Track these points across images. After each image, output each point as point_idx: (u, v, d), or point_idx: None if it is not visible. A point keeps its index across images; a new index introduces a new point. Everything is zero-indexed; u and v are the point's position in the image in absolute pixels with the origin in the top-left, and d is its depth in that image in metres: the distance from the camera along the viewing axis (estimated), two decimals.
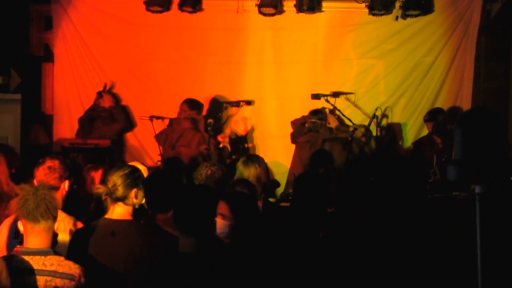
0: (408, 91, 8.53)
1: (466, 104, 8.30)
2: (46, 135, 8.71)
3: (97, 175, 4.98)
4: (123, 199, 3.62)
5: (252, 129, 8.63)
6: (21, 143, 8.53)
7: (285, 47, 8.60)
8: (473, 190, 2.73)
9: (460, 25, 8.40)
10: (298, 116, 8.16)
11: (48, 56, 8.76)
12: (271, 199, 5.49)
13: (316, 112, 7.91)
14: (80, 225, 3.82)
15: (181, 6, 8.38)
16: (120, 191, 3.61)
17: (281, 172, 8.00)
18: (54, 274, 3.13)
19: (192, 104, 8.01)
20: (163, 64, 8.65)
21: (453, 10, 8.42)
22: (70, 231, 3.76)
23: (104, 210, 3.65)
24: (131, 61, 8.64)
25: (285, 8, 8.46)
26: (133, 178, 3.67)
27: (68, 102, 8.66)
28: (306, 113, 8.01)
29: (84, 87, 8.64)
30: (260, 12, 8.33)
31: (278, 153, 8.37)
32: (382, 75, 8.60)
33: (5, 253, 3.53)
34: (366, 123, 8.02)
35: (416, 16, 8.31)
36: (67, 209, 3.87)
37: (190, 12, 8.44)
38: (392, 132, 8.48)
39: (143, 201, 3.83)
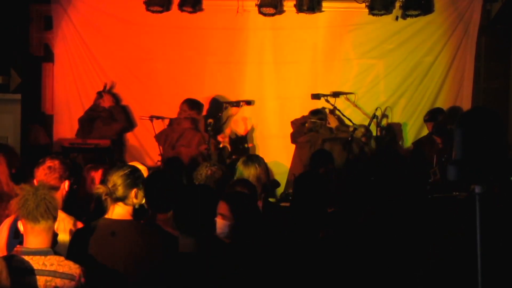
0: (408, 91, 8.53)
1: (466, 104, 8.30)
2: (46, 135, 8.71)
3: (97, 175, 4.98)
4: (123, 199, 3.62)
5: (252, 129, 8.63)
6: (21, 143, 8.53)
7: (285, 47, 8.60)
8: (473, 190, 2.73)
9: (460, 25, 8.40)
10: (298, 116, 8.16)
11: (48, 56, 8.76)
12: (271, 199, 5.48)
13: (316, 112, 7.91)
14: (80, 225, 3.82)
15: (181, 6, 8.38)
16: (120, 191, 3.61)
17: (281, 172, 8.00)
18: (54, 274, 3.13)
19: (192, 104, 8.01)
20: (163, 64, 8.64)
21: (453, 10, 8.42)
22: (70, 231, 3.76)
23: (104, 210, 3.65)
24: (131, 61, 8.64)
25: (285, 8, 8.46)
26: (133, 178, 3.67)
27: (68, 102, 8.66)
28: (306, 113, 8.01)
29: (84, 87, 8.64)
30: (260, 12, 8.33)
31: (278, 153, 8.36)
32: (382, 75, 8.60)
33: (5, 253, 3.53)
34: (366, 123, 8.02)
35: (416, 16, 8.31)
36: (67, 209, 3.87)
37: (190, 12, 8.44)
38: (392, 132, 8.48)
39: (143, 201, 3.83)
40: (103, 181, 3.74)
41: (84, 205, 4.63)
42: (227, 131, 8.35)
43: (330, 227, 4.14)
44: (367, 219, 4.22)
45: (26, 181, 3.57)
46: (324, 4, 8.36)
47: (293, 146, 7.94)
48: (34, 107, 8.75)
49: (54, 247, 3.24)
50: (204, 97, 8.36)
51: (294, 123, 8.17)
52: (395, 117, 8.50)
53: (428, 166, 7.10)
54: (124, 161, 7.54)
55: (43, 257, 3.15)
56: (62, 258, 3.19)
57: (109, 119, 8.27)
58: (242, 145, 8.45)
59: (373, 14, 8.26)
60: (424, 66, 8.49)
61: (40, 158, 4.04)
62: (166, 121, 8.21)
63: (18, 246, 3.23)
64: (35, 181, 3.83)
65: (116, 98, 8.53)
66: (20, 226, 3.23)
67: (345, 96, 8.46)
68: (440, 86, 8.47)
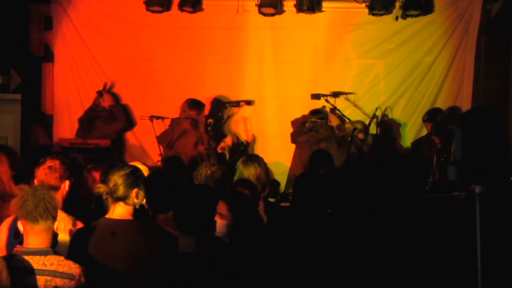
0: (408, 91, 8.53)
1: (466, 104, 8.30)
2: (46, 135, 8.71)
3: (98, 175, 4.99)
4: (123, 198, 3.62)
5: (252, 130, 8.63)
6: (21, 143, 8.53)
7: (285, 47, 8.60)
8: (473, 190, 2.73)
9: (460, 25, 8.40)
10: (298, 116, 8.15)
11: (48, 56, 8.76)
12: (271, 199, 5.49)
13: (316, 111, 7.91)
14: (80, 225, 3.82)
15: (181, 6, 8.38)
16: (121, 191, 3.61)
17: (281, 172, 8.00)
18: (54, 273, 3.14)
19: (192, 104, 7.99)
20: (163, 64, 8.65)
21: (453, 10, 8.42)
22: (70, 231, 3.76)
23: (105, 210, 3.65)
24: (131, 61, 8.64)
25: (285, 8, 8.46)
26: (134, 178, 3.67)
27: (68, 102, 8.66)
28: (306, 113, 8.00)
29: (84, 87, 8.64)
30: (260, 12, 8.33)
31: (278, 153, 8.36)
32: (382, 75, 8.60)
33: (5, 253, 3.54)
34: (366, 123, 8.01)
35: (416, 16, 8.31)
36: (67, 209, 3.87)
37: (190, 12, 8.44)
38: (392, 132, 8.48)
39: (144, 201, 3.83)
40: (104, 181, 3.74)
41: (85, 205, 4.63)
42: (228, 139, 8.28)
43: (330, 227, 4.14)
44: (367, 219, 4.23)
45: (27, 181, 3.57)
46: (324, 4, 8.36)
47: (293, 146, 7.93)
48: (34, 107, 8.75)
49: (55, 247, 3.25)
50: (204, 97, 8.36)
51: (294, 123, 8.17)
52: (395, 117, 8.50)
53: (427, 166, 7.10)
54: (124, 161, 7.54)
55: (43, 257, 3.15)
56: (62, 258, 3.20)
57: (109, 118, 8.27)
58: (242, 146, 8.43)
59: (373, 14, 8.26)
60: (424, 66, 8.49)
61: (40, 158, 4.04)
62: (166, 121, 8.20)
63: (18, 246, 3.23)
64: (35, 181, 3.84)
65: (116, 98, 8.53)
66: (20, 226, 3.24)
67: (345, 96, 8.46)
68: (440, 86, 8.47)
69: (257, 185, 4.85)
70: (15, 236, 3.61)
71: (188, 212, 3.65)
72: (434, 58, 8.46)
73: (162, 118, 8.22)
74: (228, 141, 8.11)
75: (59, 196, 3.83)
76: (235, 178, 5.13)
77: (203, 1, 8.45)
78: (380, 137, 8.04)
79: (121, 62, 8.64)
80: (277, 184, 6.83)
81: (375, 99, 8.49)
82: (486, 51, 8.41)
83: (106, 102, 8.34)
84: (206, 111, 8.29)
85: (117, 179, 3.62)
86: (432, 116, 7.89)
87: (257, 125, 8.63)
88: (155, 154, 8.12)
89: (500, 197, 3.92)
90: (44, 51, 8.78)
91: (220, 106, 8.51)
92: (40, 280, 3.12)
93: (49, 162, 3.95)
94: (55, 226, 3.24)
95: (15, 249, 3.22)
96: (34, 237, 3.17)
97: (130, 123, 8.56)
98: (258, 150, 8.45)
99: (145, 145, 8.56)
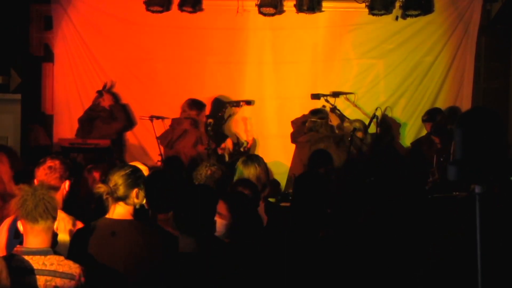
0: (408, 91, 8.53)
1: (466, 104, 8.30)
2: (46, 135, 8.71)
3: (98, 175, 4.99)
4: (124, 198, 3.62)
5: (252, 129, 8.62)
6: (21, 143, 8.53)
7: (285, 47, 8.60)
8: (473, 190, 2.73)
9: (460, 25, 8.40)
10: (298, 116, 8.15)
11: (48, 56, 8.76)
12: (271, 199, 5.49)
13: (316, 111, 7.91)
14: (80, 225, 3.82)
15: (181, 6, 8.38)
16: (121, 191, 3.61)
17: (281, 172, 7.99)
18: (54, 273, 3.14)
19: (192, 104, 7.99)
20: (163, 64, 8.64)
21: (453, 10, 8.42)
22: (70, 231, 3.76)
23: (105, 210, 3.66)
24: (131, 61, 8.64)
25: (285, 8, 8.46)
26: (134, 178, 3.67)
27: (68, 102, 8.66)
28: (306, 113, 8.01)
29: (84, 87, 8.64)
30: (260, 12, 8.33)
31: (278, 153, 8.36)
32: (382, 75, 8.60)
33: (5, 253, 3.54)
34: (366, 123, 8.02)
35: (416, 16, 8.31)
36: (67, 209, 3.87)
37: (190, 12, 8.44)
38: (392, 132, 8.48)
39: (144, 201, 3.83)
40: (104, 181, 3.74)
41: (85, 205, 4.63)
42: (229, 143, 8.26)
43: (330, 227, 4.14)
44: (367, 219, 4.22)
45: (27, 181, 3.57)
46: (324, 4, 8.36)
47: (293, 146, 7.93)
48: (34, 107, 8.75)
49: (55, 247, 3.25)
50: (204, 97, 8.35)
51: (294, 122, 8.16)
52: (395, 117, 8.50)
53: (427, 166, 7.11)
54: (124, 161, 7.54)
55: (43, 256, 3.16)
56: (62, 258, 3.20)
57: (109, 118, 8.27)
58: (242, 148, 8.42)
59: (373, 14, 8.26)
60: (424, 66, 8.49)
61: (40, 158, 4.05)
62: (166, 121, 8.20)
63: (18, 246, 3.24)
64: (35, 181, 3.84)
65: (116, 97, 8.53)
66: (20, 226, 3.24)
67: (345, 96, 8.46)
68: (440, 86, 8.47)
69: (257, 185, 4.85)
70: (15, 236, 3.61)
71: (188, 212, 3.65)
72: (434, 58, 8.46)
73: (162, 118, 8.22)
74: (228, 144, 8.10)
75: (59, 196, 3.83)
76: (235, 178, 5.13)
77: (203, 1, 8.45)
78: (380, 137, 8.05)
79: (121, 62, 8.64)
80: (277, 184, 6.82)
81: (375, 99, 8.49)
82: (486, 51, 8.42)
83: (106, 102, 8.35)
84: (206, 111, 8.29)
85: (118, 179, 3.62)
86: (431, 116, 7.89)
87: (257, 125, 8.63)
88: (155, 154, 8.12)
89: (500, 197, 3.92)
90: (44, 51, 8.78)
91: (220, 106, 8.51)
92: (40, 280, 3.12)
93: (49, 162, 3.95)
94: (55, 226, 3.24)
95: (15, 249, 3.22)
96: (34, 237, 3.17)
97: (130, 122, 8.57)
98: (258, 150, 8.45)
99: (145, 145, 8.56)
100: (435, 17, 8.39)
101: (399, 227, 4.01)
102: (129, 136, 8.66)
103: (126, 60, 8.63)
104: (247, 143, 8.23)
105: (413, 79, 8.51)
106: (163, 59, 8.62)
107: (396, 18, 8.38)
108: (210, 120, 7.93)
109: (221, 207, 3.83)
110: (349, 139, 7.34)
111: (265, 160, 5.39)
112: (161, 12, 8.38)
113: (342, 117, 8.27)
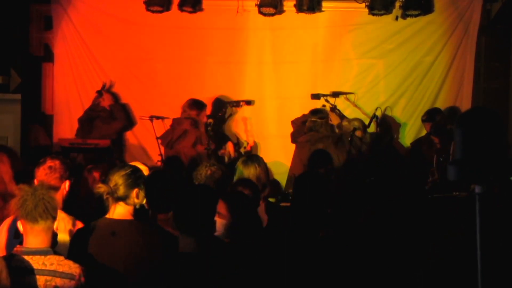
0: (408, 91, 8.53)
1: (466, 104, 8.30)
2: (46, 135, 8.71)
3: (98, 175, 4.99)
4: (124, 198, 3.62)
5: (252, 129, 8.62)
6: (21, 143, 8.53)
7: (285, 47, 8.60)
8: (473, 190, 2.73)
9: (460, 25, 8.40)
10: (298, 116, 8.16)
11: (48, 56, 8.76)
12: (271, 199, 5.49)
13: (316, 111, 7.91)
14: (80, 225, 3.82)
15: (181, 6, 8.38)
16: (121, 191, 3.61)
17: (281, 172, 7.99)
18: (54, 273, 3.14)
19: (192, 104, 8.00)
20: (163, 64, 8.65)
21: (453, 10, 8.42)
22: (70, 231, 3.76)
23: (105, 210, 3.66)
24: (131, 61, 8.64)
25: (285, 8, 8.46)
26: (135, 178, 3.67)
27: (68, 102, 8.66)
28: (306, 112, 8.01)
29: (84, 87, 8.64)
30: (260, 12, 8.33)
31: (278, 153, 8.37)
32: (382, 75, 8.60)
33: (5, 253, 3.54)
34: (366, 123, 8.02)
35: (416, 16, 8.31)
36: (67, 209, 3.87)
37: (190, 12, 8.44)
38: (392, 132, 8.49)
39: (144, 201, 3.84)
40: (104, 181, 3.75)
41: (85, 205, 4.63)
42: (230, 146, 8.24)
43: (330, 227, 4.14)
44: (367, 219, 4.22)
45: (28, 181, 3.57)
46: (324, 4, 8.36)
47: (293, 145, 7.93)
48: (34, 107, 8.75)
49: (55, 247, 3.25)
50: (204, 97, 8.35)
51: (294, 122, 8.17)
52: (395, 117, 8.50)
53: (427, 166, 7.11)
54: (124, 161, 7.54)
55: (43, 256, 3.16)
56: (62, 258, 3.20)
57: (109, 118, 8.28)
58: (242, 146, 8.42)
59: (373, 14, 8.26)
60: (424, 66, 8.50)
61: (40, 158, 4.05)
62: (166, 121, 8.21)
63: (18, 246, 3.24)
64: (35, 181, 3.84)
65: (115, 97, 8.53)
66: (20, 226, 3.24)
67: (345, 96, 8.46)
68: (440, 86, 8.47)
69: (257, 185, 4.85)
70: (15, 236, 3.61)
71: (188, 212, 3.65)
72: (434, 58, 8.46)
73: (162, 118, 8.22)
74: (230, 148, 8.08)
75: (59, 196, 3.83)
76: (235, 178, 5.13)
77: (203, 1, 8.45)
78: (380, 137, 8.05)
79: (121, 62, 8.64)
80: (277, 184, 6.82)
81: (375, 99, 8.50)
82: (486, 51, 8.42)
83: (106, 101, 8.35)
84: (207, 111, 8.29)
85: (118, 179, 3.62)
86: (431, 116, 7.89)
87: (257, 125, 8.63)
88: (155, 154, 8.12)
89: (500, 197, 3.92)
90: (44, 51, 8.78)
91: (220, 106, 8.51)
92: (40, 280, 3.12)
93: (49, 162, 3.95)
94: (55, 226, 3.24)
95: (15, 249, 3.22)
96: (34, 237, 3.17)
97: (130, 122, 8.57)
98: (258, 150, 8.46)
99: (145, 145, 8.56)
100: (435, 17, 8.40)
101: (399, 227, 4.01)
102: (129, 136, 8.67)
103: (126, 60, 8.63)
104: (247, 143, 8.23)
105: (413, 79, 8.51)
106: (163, 59, 8.62)
107: (396, 18, 8.39)
108: (210, 120, 7.93)
109: (221, 207, 3.83)
110: (349, 139, 7.34)
111: (265, 160, 5.39)
112: (161, 12, 8.38)
113: (342, 117, 8.27)
